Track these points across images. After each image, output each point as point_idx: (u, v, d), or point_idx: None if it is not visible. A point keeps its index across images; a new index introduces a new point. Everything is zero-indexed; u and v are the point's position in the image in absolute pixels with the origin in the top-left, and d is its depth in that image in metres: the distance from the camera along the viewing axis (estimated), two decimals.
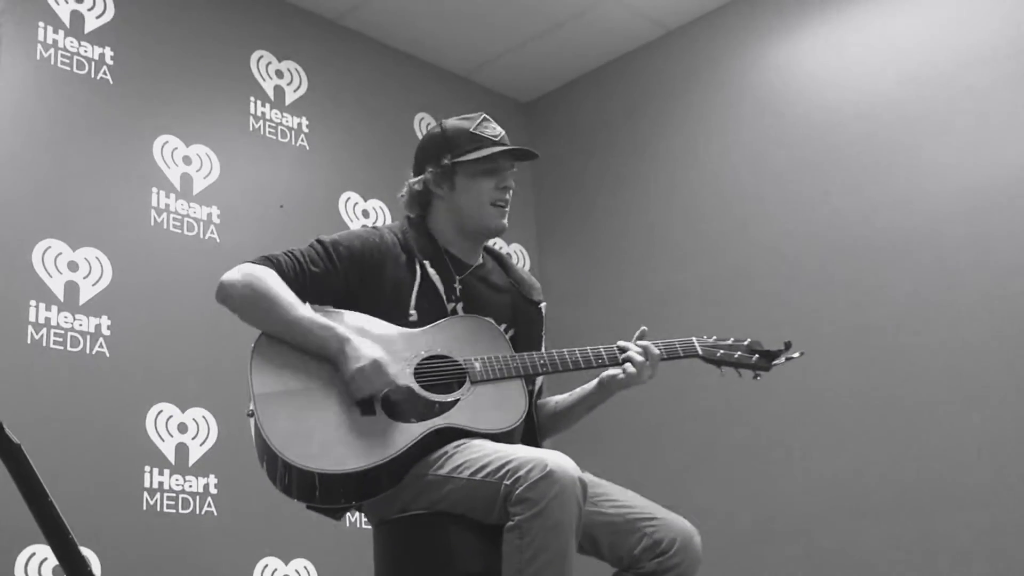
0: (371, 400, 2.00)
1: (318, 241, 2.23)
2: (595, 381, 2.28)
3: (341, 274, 2.19)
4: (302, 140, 4.30)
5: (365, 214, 4.42)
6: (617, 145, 4.79)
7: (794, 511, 3.80)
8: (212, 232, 3.90)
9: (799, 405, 3.88)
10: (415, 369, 2.12)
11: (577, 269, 4.83)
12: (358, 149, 4.44)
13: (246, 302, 2.09)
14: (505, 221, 2.30)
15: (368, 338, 2.08)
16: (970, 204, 3.60)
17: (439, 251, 2.30)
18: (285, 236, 2.28)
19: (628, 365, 2.19)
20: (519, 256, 4.99)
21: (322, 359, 2.05)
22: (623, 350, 2.20)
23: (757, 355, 2.32)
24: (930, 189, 3.71)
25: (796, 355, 2.31)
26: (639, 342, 2.22)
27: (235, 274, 2.11)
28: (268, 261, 2.15)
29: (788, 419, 3.90)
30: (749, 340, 2.35)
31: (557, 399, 2.40)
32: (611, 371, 2.23)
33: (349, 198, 4.39)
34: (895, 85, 3.87)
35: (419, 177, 2.31)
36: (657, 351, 2.20)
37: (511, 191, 2.30)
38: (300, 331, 2.05)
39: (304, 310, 2.08)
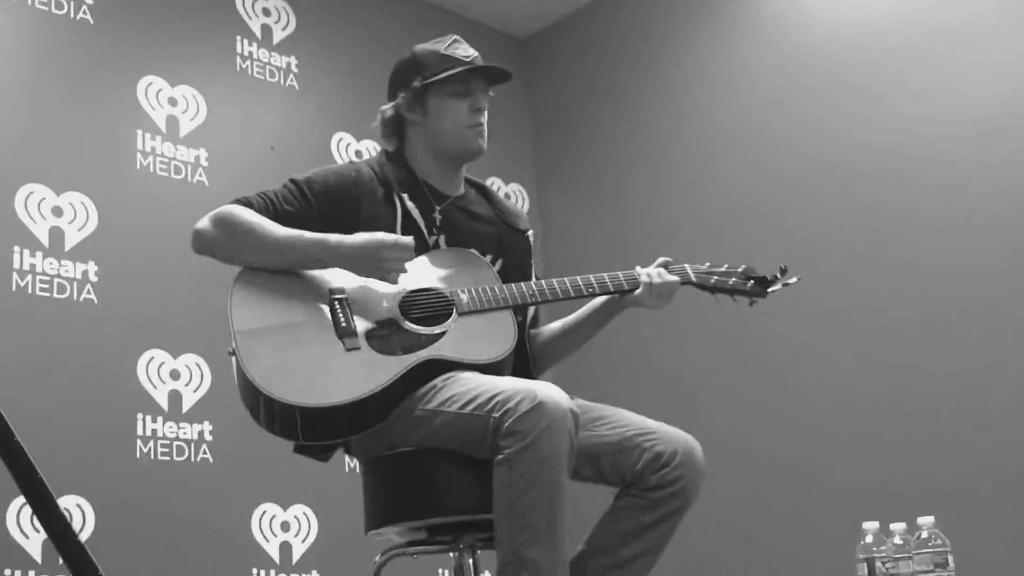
0: (354, 334, 2.01)
1: (292, 180, 2.22)
2: (602, 297, 2.29)
3: (317, 213, 2.18)
4: (291, 80, 4.30)
5: (358, 155, 4.41)
6: (616, 79, 4.79)
7: (796, 440, 3.83)
8: (200, 175, 3.90)
9: (801, 334, 3.90)
10: (400, 302, 2.12)
11: (578, 208, 4.85)
12: (349, 88, 4.42)
13: (222, 241, 2.08)
14: (483, 142, 2.29)
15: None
16: (977, 130, 3.58)
17: (417, 182, 2.30)
18: (276, 179, 2.19)
19: (643, 275, 2.23)
20: (518, 196, 5.02)
21: (306, 292, 2.05)
22: (631, 276, 2.24)
23: (752, 281, 2.32)
24: (936, 115, 3.70)
25: (793, 280, 2.32)
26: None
27: (204, 220, 2.11)
28: (239, 202, 2.15)
29: (790, 348, 3.93)
30: (744, 266, 2.35)
31: (558, 323, 2.40)
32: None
33: (341, 139, 4.38)
34: (897, 5, 3.87)
35: (391, 104, 2.31)
36: (673, 278, 2.23)
37: (485, 113, 2.29)
38: (287, 252, 2.05)
39: (284, 230, 2.07)
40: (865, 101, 3.89)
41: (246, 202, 2.14)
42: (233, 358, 2.00)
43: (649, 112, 4.62)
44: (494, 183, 4.90)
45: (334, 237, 2.05)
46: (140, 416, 3.50)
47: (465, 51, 2.31)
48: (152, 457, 3.49)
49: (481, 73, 2.29)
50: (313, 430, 1.98)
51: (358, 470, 2.16)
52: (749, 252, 3.68)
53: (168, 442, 3.53)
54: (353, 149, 4.41)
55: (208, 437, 3.62)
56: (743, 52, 4.32)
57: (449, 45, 2.31)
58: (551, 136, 5.03)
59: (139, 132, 3.79)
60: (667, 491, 2.08)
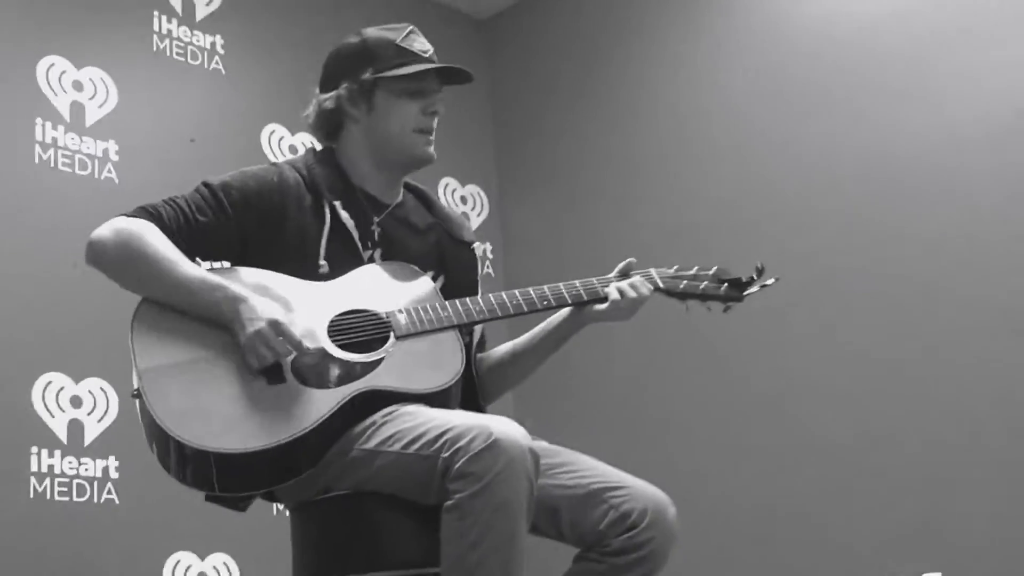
0: (277, 368, 2.01)
1: (205, 185, 2.23)
2: (560, 313, 2.33)
3: (234, 223, 2.19)
4: (216, 63, 4.30)
5: (292, 150, 4.40)
6: (589, 68, 4.81)
7: (786, 481, 3.83)
8: (109, 171, 3.89)
9: (794, 353, 3.93)
10: (329, 327, 2.13)
11: (544, 212, 4.89)
12: (284, 73, 4.39)
13: (120, 264, 2.10)
14: (432, 150, 2.32)
15: (269, 296, 2.09)
16: (991, 130, 3.61)
17: (352, 189, 2.31)
18: (196, 176, 2.26)
19: (611, 290, 2.27)
20: (477, 200, 5.04)
21: (216, 324, 2.06)
22: (604, 283, 2.29)
23: (726, 284, 2.39)
24: (945, 114, 3.73)
25: (771, 281, 2.36)
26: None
27: (105, 231, 2.11)
28: (145, 213, 2.15)
29: (780, 371, 3.95)
30: (716, 268, 2.41)
31: (507, 345, 2.43)
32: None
33: (273, 131, 4.37)
34: None
35: (331, 93, 2.32)
36: (649, 286, 2.29)
37: (437, 115, 2.32)
38: (186, 293, 2.06)
39: (189, 268, 2.08)
40: (866, 96, 3.92)
41: (153, 211, 2.15)
42: (137, 400, 2.01)
43: (626, 105, 4.65)
44: (448, 185, 4.91)
45: (241, 304, 2.04)
46: (35, 450, 3.47)
47: (422, 45, 2.33)
48: (48, 497, 3.45)
49: (440, 73, 2.32)
50: (232, 479, 1.98)
51: (287, 513, 2.17)
52: (735, 262, 3.76)
53: (67, 480, 3.50)
54: (286, 143, 4.41)
55: (114, 474, 3.59)
56: (731, 39, 4.35)
57: (406, 36, 2.32)
58: (514, 132, 5.06)
59: (38, 121, 3.77)
60: (632, 556, 2.07)
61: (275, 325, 2.00)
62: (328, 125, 2.35)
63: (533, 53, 5.04)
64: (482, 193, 5.06)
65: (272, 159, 4.30)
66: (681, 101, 4.46)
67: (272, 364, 2.00)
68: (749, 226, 4.12)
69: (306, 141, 4.35)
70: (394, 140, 2.30)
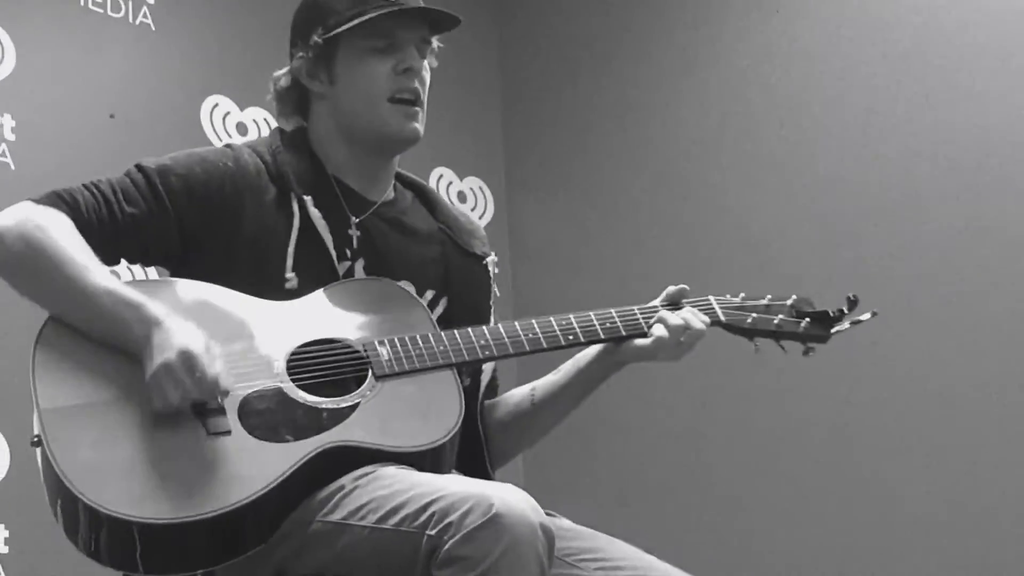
0: (219, 413, 2.03)
1: (138, 168, 2.25)
2: (592, 349, 2.36)
3: (174, 219, 2.23)
4: (144, 15, 4.26)
5: (241, 130, 4.40)
6: (615, 46, 4.85)
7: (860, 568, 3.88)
8: (3, 153, 3.88)
9: (874, 400, 3.98)
10: (290, 361, 2.14)
11: (559, 213, 4.91)
12: (231, 31, 4.41)
13: (19, 264, 2.12)
14: (416, 124, 2.34)
15: (210, 319, 2.12)
16: None
17: (326, 180, 2.35)
18: (115, 162, 2.31)
19: (658, 326, 2.30)
20: (478, 196, 5.05)
21: (127, 350, 2.07)
22: (648, 314, 2.33)
23: (807, 320, 2.42)
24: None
25: (866, 317, 2.39)
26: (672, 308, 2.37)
27: (7, 219, 2.13)
28: (58, 200, 2.17)
29: (854, 422, 4.00)
30: (794, 298, 2.44)
31: (524, 389, 2.46)
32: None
33: (217, 105, 4.37)
34: None
35: (285, 68, 2.39)
36: (706, 320, 2.33)
37: (420, 78, 2.34)
38: (93, 310, 2.07)
39: (102, 277, 2.09)
40: (958, 88, 4.04)
41: (69, 199, 2.16)
42: (39, 450, 2.00)
43: (669, 87, 4.72)
44: (441, 178, 4.90)
45: (154, 329, 2.05)
46: None
47: None
48: None
49: (413, 18, 2.33)
50: (159, 557, 1.96)
51: None
52: (791, 282, 3.76)
53: None
54: (233, 121, 4.39)
55: (3, 548, 3.57)
56: (793, 24, 4.45)
57: None
58: (526, 119, 5.09)
59: None
60: None
61: (186, 357, 2.00)
62: (292, 107, 2.41)
63: (555, 19, 5.07)
64: (485, 188, 5.08)
65: (216, 141, 4.30)
66: (724, 90, 4.57)
67: (172, 410, 2.01)
68: (802, 238, 4.24)
69: (260, 119, 4.44)
70: (363, 114, 2.34)
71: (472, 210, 4.99)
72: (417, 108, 2.34)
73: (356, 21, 2.28)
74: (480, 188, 5.07)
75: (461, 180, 5.00)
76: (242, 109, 4.42)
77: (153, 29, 4.28)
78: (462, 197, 4.97)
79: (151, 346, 2.02)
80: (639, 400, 4.22)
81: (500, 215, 5.09)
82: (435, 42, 2.40)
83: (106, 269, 2.12)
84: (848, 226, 4.19)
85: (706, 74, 4.65)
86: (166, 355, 2.00)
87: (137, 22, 4.25)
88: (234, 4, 4.48)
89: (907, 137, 4.16)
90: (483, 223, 4.72)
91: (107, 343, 2.07)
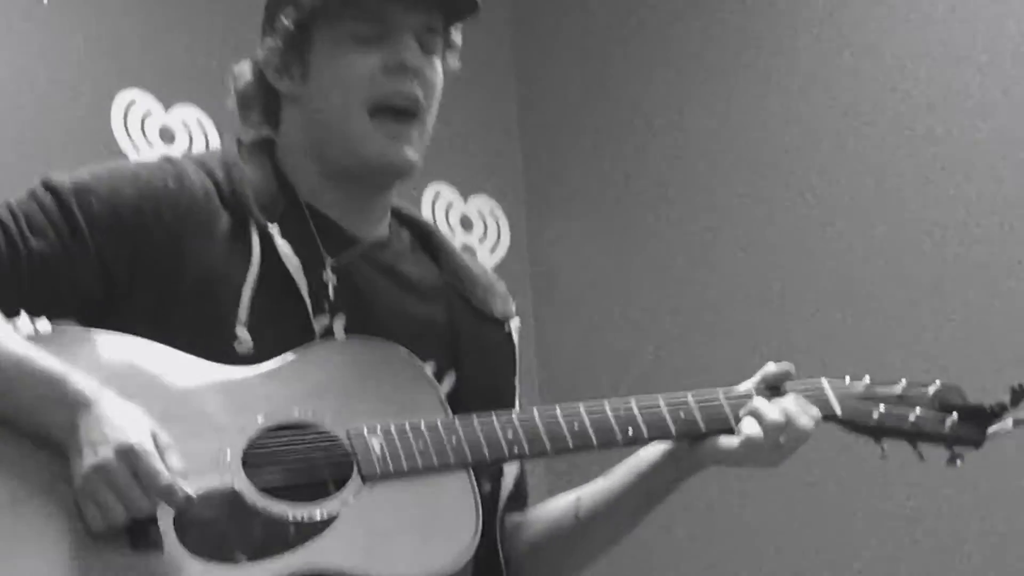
0: (145, 526, 1.92)
1: (47, 187, 2.11)
2: (660, 449, 2.26)
3: (93, 254, 2.08)
4: None
5: (167, 137, 4.15)
6: (653, 45, 4.79)
7: None
8: None
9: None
10: (248, 452, 2.01)
11: (596, 243, 4.80)
12: (149, 2, 4.24)
13: None
14: (406, 148, 2.16)
15: (139, 390, 2.00)
16: None
17: (297, 206, 2.22)
18: (8, 179, 2.24)
19: (749, 421, 2.16)
20: (488, 221, 4.84)
21: (45, 439, 1.96)
22: (737, 403, 2.22)
23: (956, 416, 2.26)
24: None
25: None
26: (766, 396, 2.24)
27: None
28: None
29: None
30: (938, 384, 2.29)
31: (569, 499, 2.34)
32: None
33: (133, 103, 4.09)
34: None
35: (248, 60, 2.28)
36: (816, 413, 2.20)
37: (422, 78, 2.16)
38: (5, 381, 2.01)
39: (3, 339, 1.98)
40: None
41: None
42: None
43: (705, 97, 4.63)
44: (439, 196, 4.67)
45: (83, 411, 1.92)
46: None
47: None
48: None
49: None
50: None
51: None
52: (886, 338, 4.00)
53: None
54: (158, 124, 4.13)
55: None
56: (847, 42, 4.37)
57: None
58: (549, 131, 4.97)
59: None
60: None
61: (128, 455, 1.87)
62: (259, 113, 2.27)
63: (578, 26, 4.97)
64: (498, 210, 4.84)
65: (130, 149, 4.10)
66: (787, 94, 4.46)
67: (125, 522, 1.91)
68: (898, 279, 4.14)
69: (192, 120, 4.22)
70: (333, 127, 2.18)
71: (481, 240, 4.82)
72: (410, 125, 2.14)
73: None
74: (491, 211, 4.83)
75: (465, 201, 4.76)
76: (167, 108, 4.15)
77: (44, 2, 4.01)
78: (466, 223, 4.73)
79: (78, 438, 1.90)
80: (725, 500, 4.17)
81: (518, 246, 4.86)
82: (453, 34, 2.24)
83: (8, 326, 2.00)
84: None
85: (763, 76, 4.52)
86: (101, 452, 1.88)
87: None
88: None
89: None
90: (496, 257, 4.85)
91: (15, 425, 1.96)
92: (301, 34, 2.17)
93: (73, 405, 1.90)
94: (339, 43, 2.17)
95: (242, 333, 2.08)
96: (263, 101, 2.25)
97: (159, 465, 1.86)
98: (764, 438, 2.12)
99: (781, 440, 2.14)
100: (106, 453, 1.84)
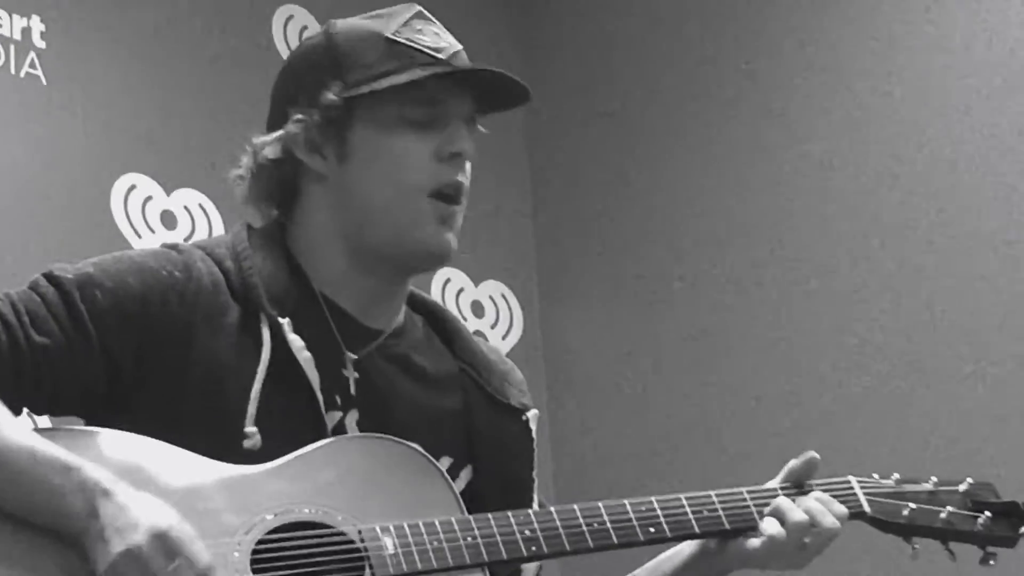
0: None
1: (50, 279, 2.09)
2: (691, 546, 2.28)
3: (98, 349, 2.06)
4: (32, 64, 4.01)
5: (167, 222, 4.14)
6: (664, 135, 4.83)
7: None
8: None
9: None
10: (255, 555, 1.99)
11: (613, 331, 4.81)
12: (151, 86, 4.19)
13: None
14: (451, 236, 2.20)
15: (152, 488, 1.96)
16: None
17: (312, 298, 2.21)
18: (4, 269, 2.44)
19: (770, 522, 2.17)
20: (500, 307, 4.88)
21: (55, 533, 1.90)
22: (762, 501, 2.23)
23: (988, 514, 2.27)
24: None
25: None
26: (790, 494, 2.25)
27: None
28: None
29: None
30: (969, 482, 2.31)
31: None
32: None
33: (134, 187, 4.07)
34: None
35: (276, 134, 2.21)
36: (843, 512, 2.22)
37: (465, 170, 2.20)
38: (5, 476, 1.92)
39: (13, 430, 1.95)
40: None
41: None
42: None
43: (735, 187, 4.63)
44: (448, 283, 4.68)
45: (102, 500, 1.89)
46: None
47: (436, 37, 2.26)
48: None
49: (470, 82, 2.24)
50: None
51: None
52: (942, 427, 3.99)
53: None
54: (158, 209, 4.11)
55: None
56: (881, 103, 4.34)
57: (405, 23, 2.24)
58: (567, 196, 5.02)
59: None
60: None
61: (164, 540, 1.84)
62: (273, 191, 2.24)
63: (594, 56, 5.03)
64: (509, 296, 4.89)
65: (131, 235, 4.08)
66: (810, 193, 4.46)
67: None
68: (948, 357, 4.05)
69: (193, 205, 4.19)
70: (387, 209, 2.17)
71: (493, 327, 4.84)
72: (457, 211, 2.19)
73: (398, 79, 2.14)
74: (503, 296, 4.87)
75: (476, 286, 4.78)
76: (168, 192, 4.13)
77: (44, 83, 4.01)
78: (477, 309, 4.76)
79: (101, 525, 1.87)
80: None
81: (531, 333, 4.91)
82: (478, 122, 2.28)
83: (16, 420, 1.97)
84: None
85: (807, 122, 4.53)
86: (130, 538, 1.84)
87: (23, 73, 4.00)
88: (156, 52, 4.24)
89: None
90: (509, 343, 4.87)
91: (24, 520, 1.91)
92: (348, 109, 2.15)
93: (92, 492, 1.86)
94: (387, 125, 2.16)
95: (250, 429, 2.07)
96: (279, 180, 2.23)
97: (197, 551, 1.85)
98: (787, 538, 2.12)
99: (806, 540, 2.14)
100: (137, 539, 1.82)
